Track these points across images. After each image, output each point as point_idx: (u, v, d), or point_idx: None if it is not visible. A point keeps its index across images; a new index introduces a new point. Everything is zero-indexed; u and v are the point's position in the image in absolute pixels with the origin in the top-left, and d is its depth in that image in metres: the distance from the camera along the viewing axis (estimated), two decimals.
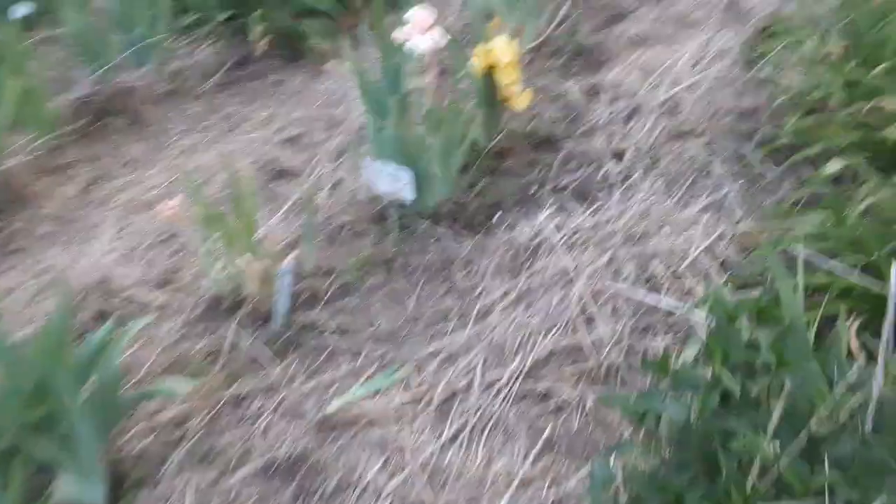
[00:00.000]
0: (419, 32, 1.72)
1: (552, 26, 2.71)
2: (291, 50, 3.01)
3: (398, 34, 1.79)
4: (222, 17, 3.00)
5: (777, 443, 0.92)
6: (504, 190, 2.06)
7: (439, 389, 1.56)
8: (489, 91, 2.07)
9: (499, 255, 1.88)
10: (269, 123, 2.66)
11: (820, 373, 0.96)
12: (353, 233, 2.02)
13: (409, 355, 1.67)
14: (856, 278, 1.38)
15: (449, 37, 1.87)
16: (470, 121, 1.94)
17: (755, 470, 0.92)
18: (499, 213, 2.00)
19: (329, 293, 1.85)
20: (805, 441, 0.90)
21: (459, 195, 2.04)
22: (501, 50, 2.00)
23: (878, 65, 1.91)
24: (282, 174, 2.36)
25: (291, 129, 2.59)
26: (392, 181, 1.94)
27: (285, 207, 2.13)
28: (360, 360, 1.67)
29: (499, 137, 2.17)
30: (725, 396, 1.06)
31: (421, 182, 1.94)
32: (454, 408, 1.53)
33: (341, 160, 2.34)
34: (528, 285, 1.78)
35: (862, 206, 1.45)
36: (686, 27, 2.64)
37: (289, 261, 1.76)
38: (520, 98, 2.06)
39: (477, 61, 2.03)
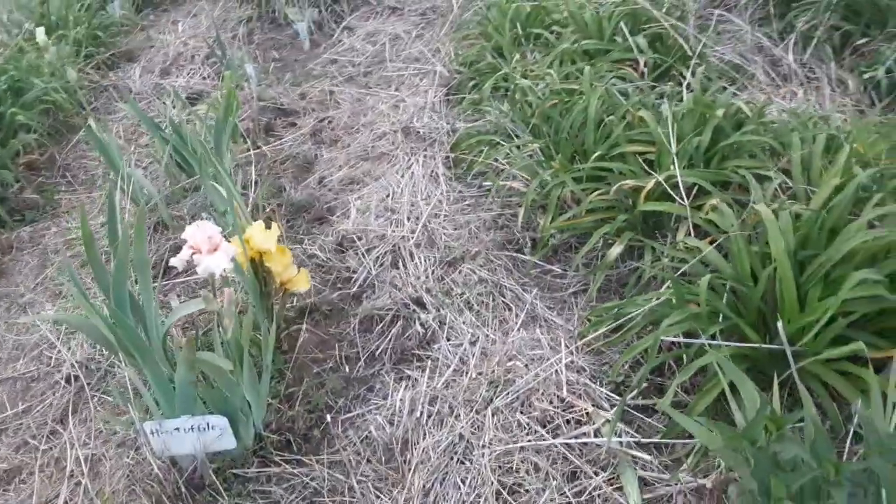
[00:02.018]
0: (208, 252, 1.34)
1: (253, 190, 2.46)
2: None
3: (176, 260, 1.37)
4: None
5: None
6: (322, 383, 1.74)
7: None
8: (263, 283, 1.74)
9: (365, 464, 1.56)
10: None
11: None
12: None
13: None
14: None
15: (238, 249, 1.51)
16: (268, 330, 1.59)
17: None
18: (331, 414, 1.68)
19: None
20: None
21: (277, 413, 1.66)
22: (262, 237, 1.70)
23: (588, 155, 2.16)
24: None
25: None
26: (198, 436, 1.48)
27: None
28: None
29: (284, 327, 1.84)
30: None
31: (233, 421, 1.52)
32: None
33: (71, 428, 1.72)
34: (422, 483, 1.50)
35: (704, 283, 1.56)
36: (382, 161, 2.65)
37: None
38: (298, 280, 1.78)
39: (240, 256, 1.69)
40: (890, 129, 1.93)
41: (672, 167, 1.92)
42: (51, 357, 1.95)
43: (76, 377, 1.84)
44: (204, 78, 3.65)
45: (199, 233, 1.34)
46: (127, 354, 1.47)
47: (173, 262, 1.37)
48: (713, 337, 1.54)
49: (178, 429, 1.46)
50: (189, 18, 4.50)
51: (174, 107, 2.89)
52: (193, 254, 1.34)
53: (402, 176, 2.53)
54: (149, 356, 1.41)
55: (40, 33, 3.18)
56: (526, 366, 1.71)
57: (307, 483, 1.54)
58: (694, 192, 1.91)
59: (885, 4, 2.61)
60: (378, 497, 1.49)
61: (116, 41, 4.15)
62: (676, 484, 1.41)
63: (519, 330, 1.84)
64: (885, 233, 1.47)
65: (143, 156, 2.95)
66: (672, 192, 1.89)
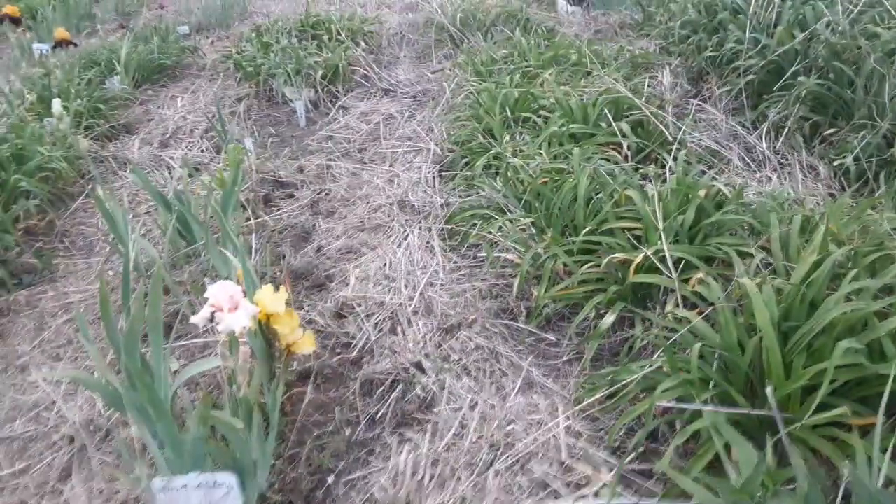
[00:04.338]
0: (230, 310, 1.40)
1: (254, 257, 2.53)
2: None
3: (198, 318, 1.42)
4: None
5: None
6: (323, 445, 1.77)
7: None
8: (269, 344, 1.79)
9: None
10: None
11: None
12: None
13: None
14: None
15: (258, 308, 1.58)
16: (275, 389, 1.63)
17: None
18: (333, 475, 1.70)
19: None
20: None
21: (279, 474, 1.68)
22: (271, 300, 1.76)
23: (578, 230, 2.28)
24: None
25: None
26: (205, 494, 1.49)
27: None
28: None
29: (285, 390, 1.87)
30: None
31: (240, 480, 1.53)
32: None
33: (75, 485, 1.71)
34: None
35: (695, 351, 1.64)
36: (377, 232, 2.75)
37: None
38: (304, 342, 1.83)
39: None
40: (860, 212, 2.08)
41: (659, 242, 2.03)
42: (48, 417, 1.95)
43: (74, 437, 1.84)
44: (202, 151, 3.77)
45: (221, 292, 1.40)
46: (138, 411, 1.50)
47: (194, 319, 1.43)
48: (705, 403, 1.61)
49: (185, 486, 1.47)
50: (187, 94, 4.67)
51: (180, 175, 2.98)
52: (214, 312, 1.40)
53: (399, 246, 2.62)
54: (163, 411, 1.44)
55: (56, 104, 3.30)
56: (525, 430, 1.76)
57: None
58: (681, 266, 2.02)
59: (849, 98, 2.83)
60: None
61: (116, 114, 4.28)
62: None
63: (516, 395, 1.89)
64: (862, 305, 1.57)
65: (142, 224, 3.02)
66: (660, 266, 2.00)
